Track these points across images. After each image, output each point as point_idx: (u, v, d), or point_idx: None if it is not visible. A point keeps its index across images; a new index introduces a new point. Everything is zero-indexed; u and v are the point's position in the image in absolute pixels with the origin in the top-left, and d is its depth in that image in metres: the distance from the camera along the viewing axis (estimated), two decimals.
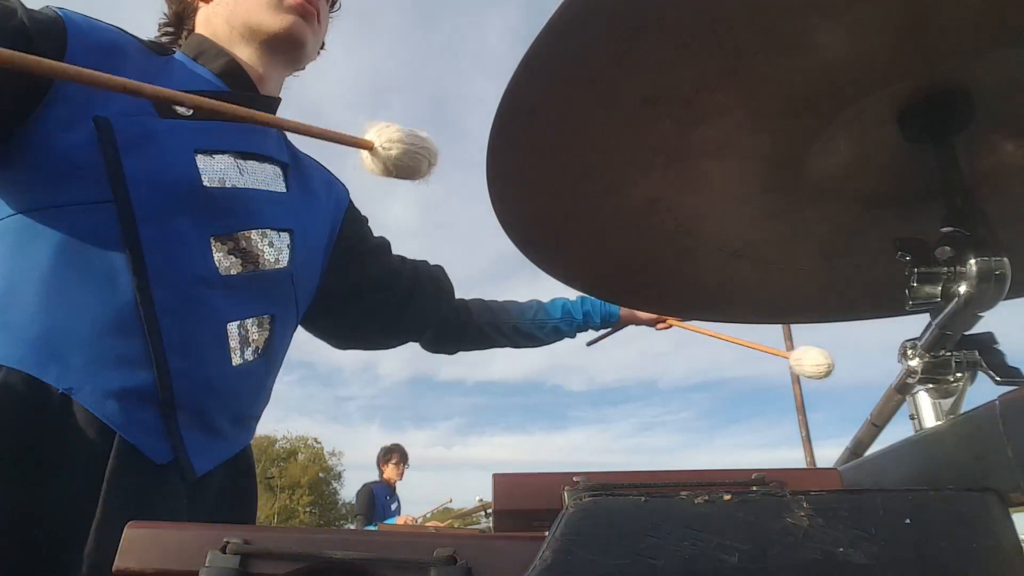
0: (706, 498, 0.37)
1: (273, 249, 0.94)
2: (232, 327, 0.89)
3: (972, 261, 0.50)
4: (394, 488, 5.41)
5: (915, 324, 0.58)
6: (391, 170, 0.76)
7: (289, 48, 1.00)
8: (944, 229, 0.53)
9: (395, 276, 1.19)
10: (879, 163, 0.60)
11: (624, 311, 1.32)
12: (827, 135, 0.55)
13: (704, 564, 0.36)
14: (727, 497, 0.37)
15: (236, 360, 0.89)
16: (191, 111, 0.86)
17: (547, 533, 0.38)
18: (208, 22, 0.99)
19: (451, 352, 1.35)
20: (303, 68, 1.08)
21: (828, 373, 1.02)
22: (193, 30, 1.01)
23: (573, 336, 1.36)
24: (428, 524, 4.84)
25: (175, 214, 0.83)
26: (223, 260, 0.88)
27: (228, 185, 0.89)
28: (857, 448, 0.79)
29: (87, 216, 0.80)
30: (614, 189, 0.61)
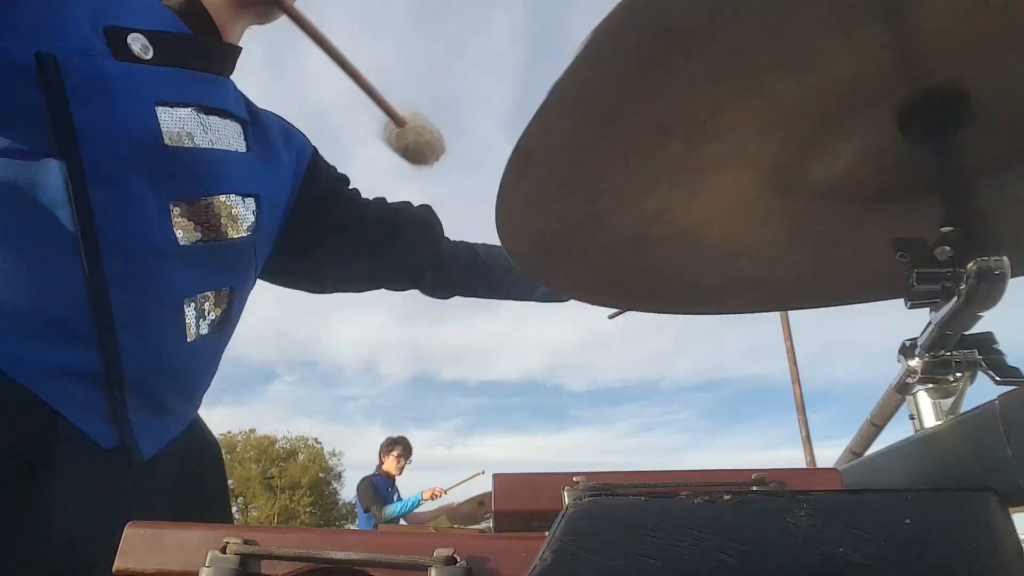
0: (706, 498, 0.37)
1: (237, 216, 0.86)
2: (189, 301, 0.82)
3: (972, 261, 0.50)
4: (393, 481, 5.29)
5: (915, 324, 0.58)
6: (408, 151, 0.77)
7: (262, 5, 0.91)
8: (944, 229, 0.53)
9: (360, 215, 1.10)
10: (879, 163, 0.60)
11: None
12: (829, 140, 0.55)
13: (704, 564, 0.36)
14: (727, 497, 0.37)
15: (191, 336, 0.82)
16: (150, 52, 0.75)
17: (547, 533, 0.38)
18: None
19: (447, 295, 1.24)
20: (270, 21, 0.97)
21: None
22: None
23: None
24: (428, 524, 4.79)
25: (132, 175, 0.73)
26: (183, 229, 0.79)
27: (191, 144, 0.79)
28: (857, 448, 0.80)
29: (27, 170, 0.70)
30: (618, 208, 0.61)
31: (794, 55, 0.46)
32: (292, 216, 1.01)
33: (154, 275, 0.77)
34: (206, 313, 0.84)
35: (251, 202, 0.88)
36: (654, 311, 0.80)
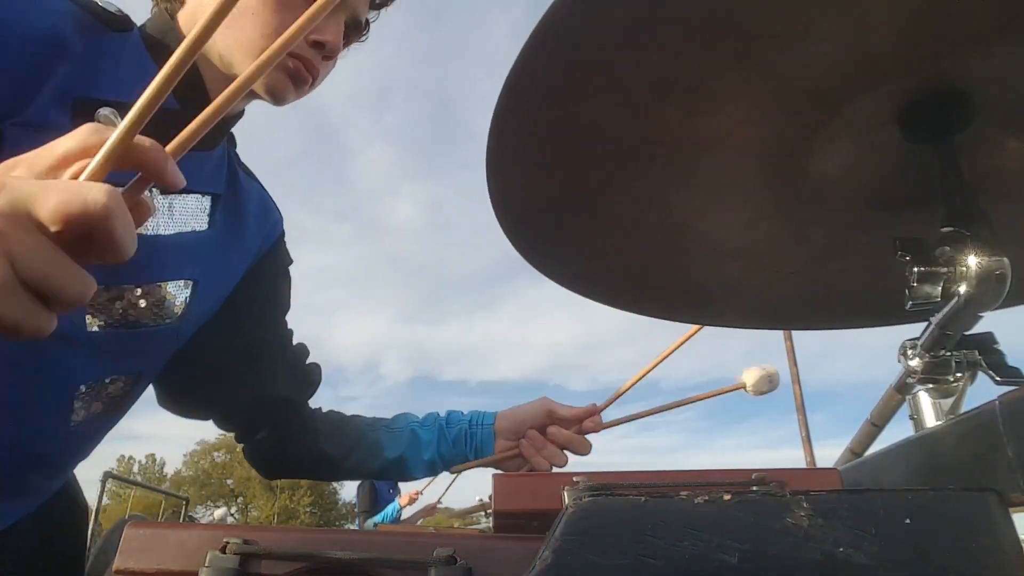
0: (706, 498, 0.37)
1: (165, 304, 0.78)
2: (83, 388, 0.73)
3: (972, 261, 0.50)
4: (395, 481, 5.30)
5: (915, 324, 0.58)
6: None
7: (265, 100, 0.80)
8: (944, 229, 0.53)
9: (271, 319, 0.96)
10: (879, 163, 0.60)
11: (511, 418, 0.98)
12: (827, 132, 0.55)
13: (704, 564, 0.35)
14: (727, 497, 0.37)
15: (76, 419, 0.74)
16: (119, 121, 0.69)
17: (547, 533, 0.38)
18: (194, 12, 0.75)
19: (276, 461, 1.04)
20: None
21: (773, 386, 0.98)
22: (183, 4, 0.76)
23: (440, 454, 1.01)
24: (429, 524, 4.77)
25: None
26: (99, 314, 0.71)
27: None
28: (857, 448, 0.80)
29: None
30: (615, 181, 0.61)
31: (790, 26, 0.46)
32: (231, 297, 0.90)
33: (48, 363, 0.69)
34: (103, 395, 0.76)
35: (187, 287, 0.80)
36: (644, 312, 0.80)
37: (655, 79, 0.50)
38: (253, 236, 0.91)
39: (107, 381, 0.75)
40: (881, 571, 0.35)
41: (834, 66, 0.49)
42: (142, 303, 0.74)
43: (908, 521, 0.36)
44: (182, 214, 0.78)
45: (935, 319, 0.54)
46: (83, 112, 0.65)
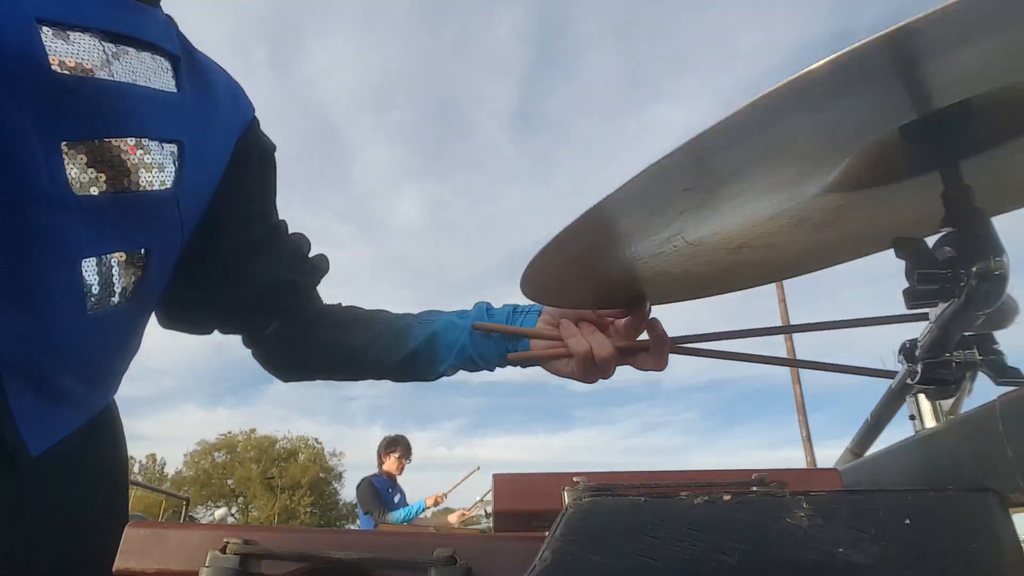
0: (706, 498, 0.37)
1: (152, 165, 0.71)
2: (88, 264, 0.67)
3: (972, 261, 0.50)
4: (395, 480, 5.29)
5: (915, 324, 0.58)
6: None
7: None
8: (944, 229, 0.53)
9: (262, 209, 0.89)
10: (880, 163, 0.60)
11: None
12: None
13: (704, 564, 0.36)
14: (727, 497, 0.37)
15: (91, 306, 0.68)
16: None
17: (547, 533, 0.38)
18: None
19: (289, 361, 0.96)
20: None
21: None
22: None
23: (476, 342, 0.85)
24: (429, 523, 4.77)
25: (7, 105, 0.60)
26: (79, 175, 0.65)
27: (89, 74, 0.65)
28: (857, 448, 0.79)
29: None
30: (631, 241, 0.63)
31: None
32: (222, 187, 0.83)
33: (42, 230, 0.63)
34: (114, 279, 0.70)
35: (171, 149, 0.73)
36: (656, 302, 0.80)
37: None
38: (227, 112, 0.83)
39: (112, 258, 0.70)
40: (881, 571, 0.35)
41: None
42: (129, 161, 0.68)
43: (908, 521, 0.36)
44: (142, 68, 0.71)
45: (935, 319, 0.54)
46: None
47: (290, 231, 0.94)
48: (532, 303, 0.83)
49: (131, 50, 0.70)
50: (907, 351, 0.58)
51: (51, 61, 0.62)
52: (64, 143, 0.63)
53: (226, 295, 0.89)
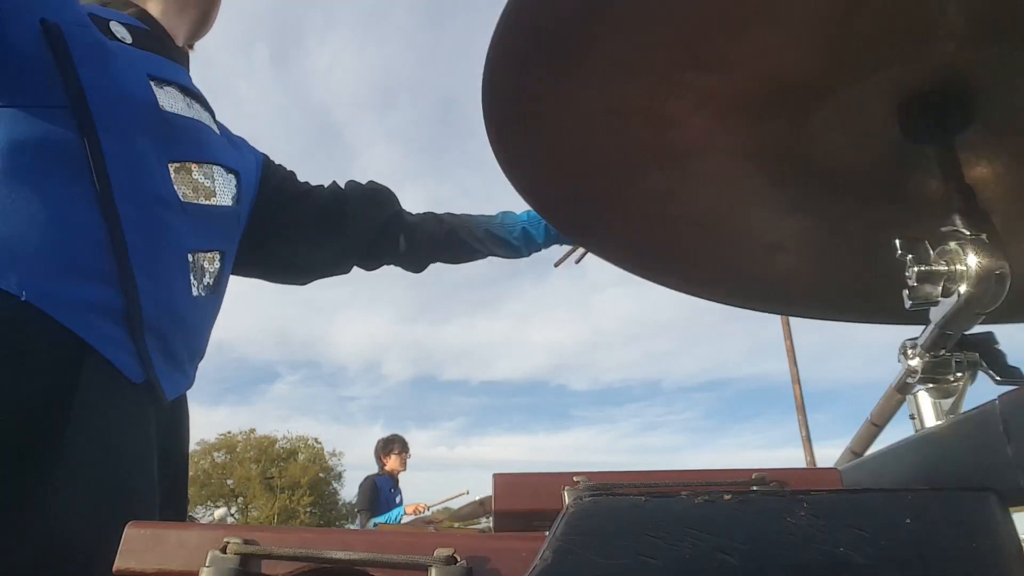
0: (706, 498, 0.37)
1: (224, 186, 0.94)
2: (190, 256, 0.88)
3: (972, 261, 0.50)
4: (397, 480, 5.31)
5: (915, 324, 0.58)
6: None
7: (197, 14, 1.02)
8: (944, 229, 0.53)
9: (312, 200, 1.16)
10: (880, 163, 0.60)
11: None
12: (822, 125, 0.55)
13: (704, 564, 0.35)
14: (727, 497, 0.37)
15: (195, 291, 0.88)
16: (129, 39, 0.86)
17: (547, 533, 0.38)
18: None
19: (420, 262, 1.27)
20: (206, 31, 1.08)
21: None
22: None
23: (542, 242, 1.26)
24: (430, 521, 4.77)
25: (134, 131, 0.81)
26: (181, 186, 0.86)
27: (183, 113, 0.89)
28: (857, 448, 0.80)
29: (43, 121, 0.77)
30: (625, 182, 0.62)
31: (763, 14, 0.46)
32: (255, 207, 1.07)
33: (162, 224, 0.83)
34: (203, 272, 0.90)
35: (232, 177, 0.97)
36: (672, 286, 0.80)
37: (607, 106, 0.52)
38: (247, 154, 1.07)
39: (205, 254, 0.90)
40: (881, 571, 0.35)
41: (818, 53, 0.49)
42: (209, 180, 0.91)
43: (908, 521, 0.36)
44: (202, 115, 0.94)
45: (935, 319, 0.54)
46: (100, 23, 0.84)
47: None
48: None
49: (195, 103, 0.94)
50: (907, 350, 0.58)
51: (159, 103, 0.85)
52: (169, 162, 0.85)
53: (339, 256, 1.19)
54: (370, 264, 1.23)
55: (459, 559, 0.43)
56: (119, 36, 0.85)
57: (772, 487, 0.52)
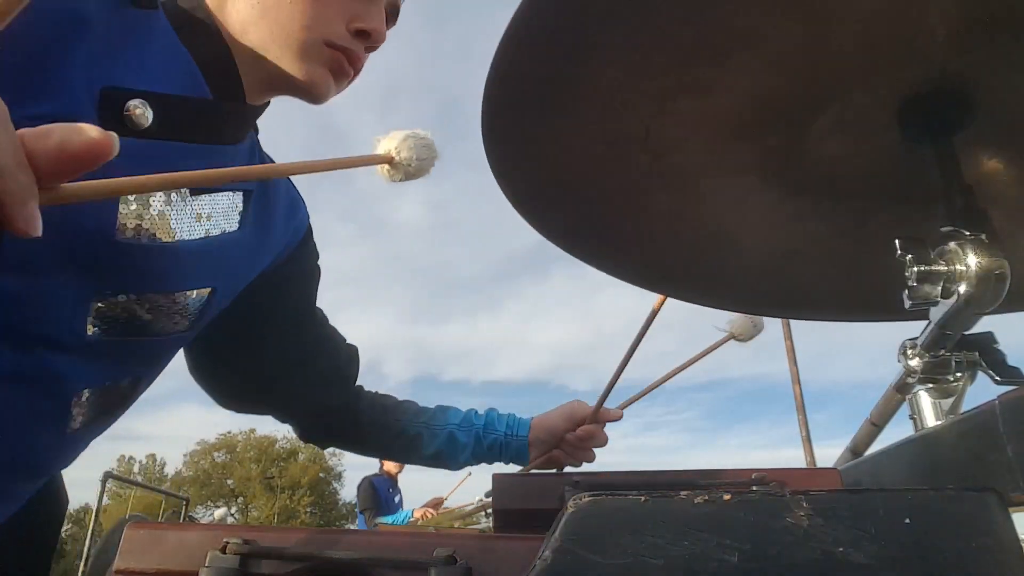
0: (706, 498, 0.37)
1: (177, 312, 0.71)
2: (84, 394, 0.68)
3: (972, 261, 0.50)
4: (395, 480, 5.30)
5: (915, 324, 0.58)
6: (410, 175, 0.68)
7: (302, 97, 0.75)
8: (944, 229, 0.53)
9: (305, 319, 0.95)
10: (879, 163, 0.60)
11: (541, 421, 1.03)
12: (825, 127, 0.55)
13: (704, 564, 0.35)
14: (727, 497, 0.37)
15: (73, 427, 0.69)
16: (150, 119, 0.61)
17: (547, 533, 0.38)
18: None
19: (323, 445, 1.11)
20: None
21: (759, 329, 0.96)
22: None
23: (475, 456, 1.05)
24: (430, 521, 4.76)
25: (57, 269, 0.60)
26: (97, 323, 0.65)
27: (148, 240, 0.64)
28: (857, 448, 0.80)
29: None
30: (632, 206, 0.63)
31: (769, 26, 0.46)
32: (256, 288, 0.84)
33: (44, 371, 0.63)
34: (100, 403, 0.71)
35: (203, 295, 0.73)
36: (667, 294, 0.81)
37: (607, 140, 0.53)
38: (280, 234, 0.84)
39: (107, 385, 0.70)
40: (881, 571, 0.35)
41: (805, 71, 0.50)
42: (151, 310, 0.68)
43: (908, 521, 0.36)
44: (213, 211, 0.71)
45: (935, 319, 0.54)
46: (110, 105, 0.59)
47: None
48: (520, 420, 1.05)
49: (206, 196, 0.70)
50: (907, 350, 0.58)
51: (118, 231, 0.61)
52: (95, 300, 0.63)
53: (278, 406, 1.01)
54: (281, 419, 1.04)
55: (459, 559, 0.43)
56: (134, 119, 0.60)
57: (772, 487, 0.52)
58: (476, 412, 1.08)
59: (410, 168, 0.65)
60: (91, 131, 0.36)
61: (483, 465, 1.07)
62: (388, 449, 1.09)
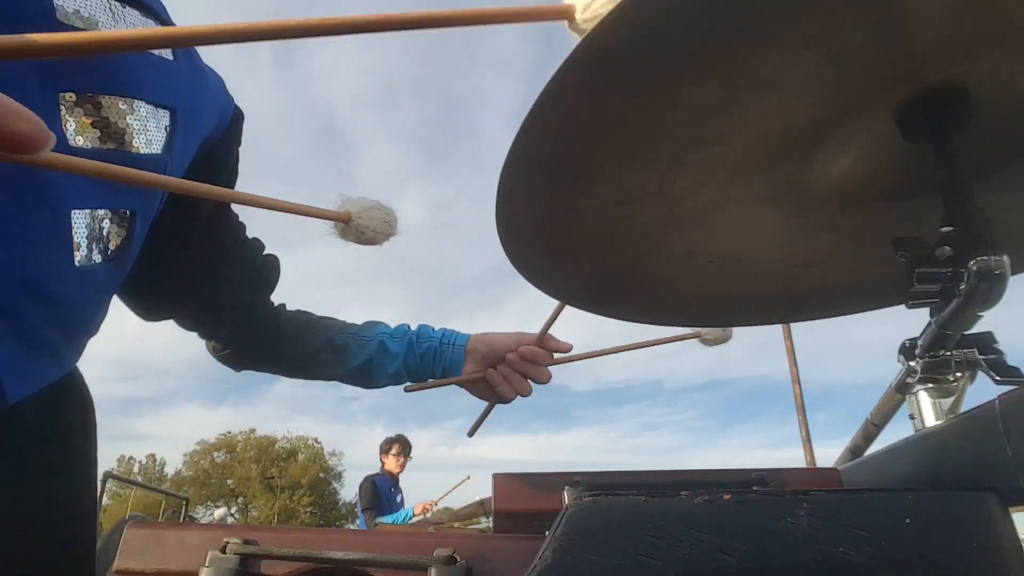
0: (706, 498, 0.37)
1: (146, 128, 0.72)
2: (78, 216, 0.67)
3: (972, 261, 0.50)
4: (397, 480, 5.31)
5: (915, 324, 0.58)
6: (361, 240, 0.70)
7: None
8: (944, 229, 0.53)
9: (226, 219, 0.93)
10: (879, 164, 0.60)
11: (478, 340, 0.99)
12: (826, 153, 0.56)
13: (704, 564, 0.35)
14: (727, 497, 0.37)
15: (79, 258, 0.68)
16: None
17: (547, 533, 0.38)
18: None
19: (240, 357, 1.05)
20: None
21: (727, 336, 0.95)
22: None
23: (407, 367, 1.01)
24: (438, 522, 4.76)
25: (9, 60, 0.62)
26: (75, 127, 0.65)
27: (93, 27, 0.66)
28: (857, 448, 0.80)
29: None
30: (644, 252, 0.64)
31: (782, 78, 0.46)
32: (194, 164, 0.83)
33: (34, 177, 0.63)
34: (103, 236, 0.71)
35: (164, 115, 0.74)
36: (651, 323, 0.81)
37: (617, 198, 0.54)
38: (214, 91, 0.85)
39: (100, 213, 0.70)
40: (881, 571, 0.35)
41: (815, 103, 0.50)
42: (124, 120, 0.69)
43: (908, 521, 0.36)
44: (135, 18, 0.72)
45: (935, 319, 0.54)
46: None
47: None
48: (457, 332, 1.02)
49: (136, 12, 0.71)
50: (907, 350, 0.58)
51: (56, 12, 0.62)
52: (63, 93, 0.64)
53: (187, 303, 0.96)
54: (185, 325, 1.00)
55: (459, 559, 0.43)
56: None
57: (772, 487, 0.52)
58: (407, 325, 1.05)
59: (363, 235, 0.70)
60: (30, 122, 0.34)
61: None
62: (311, 362, 1.02)
